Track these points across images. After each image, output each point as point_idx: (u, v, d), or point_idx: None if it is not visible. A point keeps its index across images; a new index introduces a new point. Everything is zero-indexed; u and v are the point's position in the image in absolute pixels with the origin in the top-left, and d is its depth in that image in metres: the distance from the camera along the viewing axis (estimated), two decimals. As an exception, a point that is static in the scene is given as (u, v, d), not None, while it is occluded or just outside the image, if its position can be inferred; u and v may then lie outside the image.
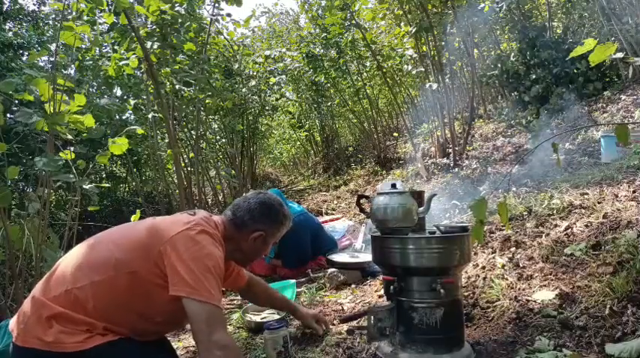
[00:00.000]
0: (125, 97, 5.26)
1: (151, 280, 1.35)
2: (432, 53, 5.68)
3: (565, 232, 2.38)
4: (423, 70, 5.93)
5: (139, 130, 3.06)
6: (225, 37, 5.80)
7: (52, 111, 2.60)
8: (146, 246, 1.37)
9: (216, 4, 4.50)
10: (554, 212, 2.72)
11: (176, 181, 4.43)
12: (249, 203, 1.63)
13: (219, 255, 1.41)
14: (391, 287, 1.66)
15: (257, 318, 2.23)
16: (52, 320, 1.28)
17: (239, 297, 2.97)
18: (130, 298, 1.35)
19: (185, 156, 5.53)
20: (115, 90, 5.19)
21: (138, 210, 3.20)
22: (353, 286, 2.74)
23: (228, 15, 4.73)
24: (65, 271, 1.38)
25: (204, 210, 1.61)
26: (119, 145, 2.79)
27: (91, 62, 4.06)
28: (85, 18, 3.49)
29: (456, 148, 5.36)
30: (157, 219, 1.51)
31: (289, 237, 3.19)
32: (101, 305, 1.32)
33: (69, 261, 1.41)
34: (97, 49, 4.26)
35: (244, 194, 1.73)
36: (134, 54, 3.92)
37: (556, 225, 2.54)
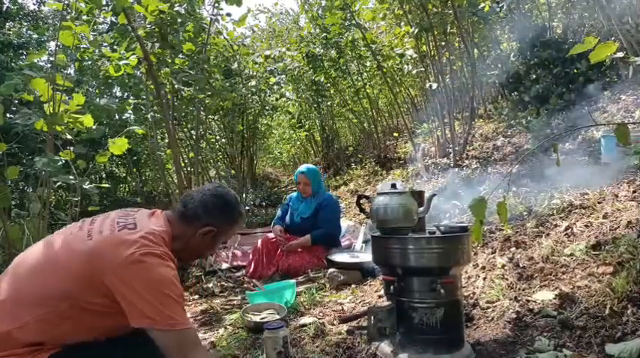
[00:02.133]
0: (125, 97, 5.27)
1: (100, 310, 1.26)
2: (432, 53, 5.68)
3: (565, 232, 2.38)
4: (423, 69, 5.93)
5: (139, 130, 3.06)
6: (225, 37, 5.80)
7: (51, 111, 2.60)
8: (89, 277, 1.24)
9: (216, 4, 4.50)
10: (554, 212, 2.72)
11: (176, 181, 4.43)
12: (204, 195, 1.48)
13: (172, 275, 1.28)
14: (391, 287, 1.66)
15: (256, 318, 2.23)
16: None
17: (238, 298, 2.97)
18: (80, 327, 1.26)
19: (185, 156, 5.54)
20: (114, 90, 5.19)
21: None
22: (353, 286, 2.73)
23: (228, 15, 4.73)
24: (3, 307, 1.24)
25: (144, 213, 1.44)
26: (119, 145, 2.80)
27: (90, 62, 4.06)
28: (85, 18, 3.49)
29: (456, 148, 5.35)
30: (95, 239, 1.30)
31: (326, 211, 3.50)
32: (48, 337, 1.24)
33: (5, 292, 1.26)
34: (95, 49, 4.26)
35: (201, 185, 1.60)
36: (134, 54, 3.92)
37: (556, 225, 2.53)
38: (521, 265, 2.19)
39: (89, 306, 1.25)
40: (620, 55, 1.59)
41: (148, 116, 4.70)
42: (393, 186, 1.76)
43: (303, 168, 3.70)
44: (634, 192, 2.70)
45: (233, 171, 7.66)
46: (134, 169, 7.95)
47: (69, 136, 2.79)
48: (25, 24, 9.52)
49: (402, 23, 5.71)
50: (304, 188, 3.59)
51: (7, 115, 3.34)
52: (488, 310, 1.94)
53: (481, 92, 7.31)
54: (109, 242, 1.28)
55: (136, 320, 1.21)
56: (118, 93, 5.83)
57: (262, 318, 2.22)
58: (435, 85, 5.30)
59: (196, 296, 3.11)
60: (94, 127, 2.85)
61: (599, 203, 2.67)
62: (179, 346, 1.24)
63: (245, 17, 5.06)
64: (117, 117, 5.32)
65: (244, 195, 7.39)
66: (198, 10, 4.78)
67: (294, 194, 3.81)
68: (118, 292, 1.22)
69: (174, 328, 1.22)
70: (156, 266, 1.25)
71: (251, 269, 3.42)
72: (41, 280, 1.26)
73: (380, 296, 2.37)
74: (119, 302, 1.22)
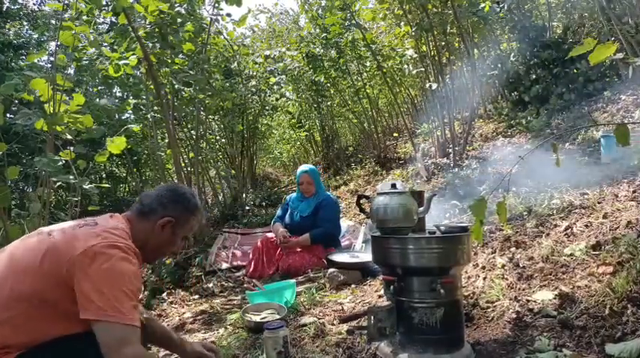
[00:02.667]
0: (125, 97, 5.26)
1: (70, 306, 1.25)
2: (432, 53, 5.68)
3: (565, 232, 2.38)
4: (423, 70, 5.93)
5: (136, 128, 3.05)
6: (225, 37, 5.80)
7: (51, 111, 2.60)
8: (54, 272, 1.25)
9: (216, 4, 4.51)
10: (554, 212, 2.72)
11: (176, 181, 4.43)
12: (159, 191, 1.56)
13: (132, 270, 1.30)
14: (391, 287, 1.66)
15: (257, 318, 2.23)
16: None
17: (238, 297, 2.98)
18: (51, 326, 1.27)
19: (185, 156, 5.53)
20: (114, 90, 5.19)
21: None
22: (353, 286, 2.74)
23: (228, 15, 4.73)
24: None
25: (104, 216, 1.48)
26: (117, 144, 2.79)
27: (87, 62, 4.05)
28: (85, 18, 3.49)
29: (456, 148, 5.35)
30: (55, 238, 1.33)
31: (325, 210, 3.52)
32: (15, 341, 1.23)
33: None
34: (94, 48, 4.26)
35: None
36: (133, 54, 3.92)
37: (556, 225, 2.54)
38: (521, 265, 2.19)
39: (58, 303, 1.26)
40: (620, 56, 1.59)
41: (148, 116, 4.70)
42: (393, 186, 1.76)
43: (305, 167, 3.70)
44: (634, 192, 2.71)
45: (233, 171, 7.65)
46: (134, 169, 7.94)
47: (69, 136, 2.79)
48: (26, 24, 9.52)
49: (402, 23, 5.71)
50: (307, 187, 3.59)
51: (7, 115, 3.34)
52: (488, 310, 1.94)
53: (481, 92, 7.31)
54: (72, 236, 1.32)
55: (85, 310, 1.22)
56: (118, 94, 5.83)
57: (262, 318, 2.22)
58: (435, 85, 5.30)
59: (196, 296, 3.12)
60: (94, 127, 2.85)
61: (599, 203, 2.67)
62: (119, 341, 1.22)
63: (245, 17, 5.06)
64: (117, 117, 5.32)
65: (244, 195, 7.39)
66: (198, 11, 4.78)
67: (294, 194, 3.81)
68: (77, 282, 1.23)
69: (120, 321, 1.22)
70: (117, 259, 1.27)
71: (251, 269, 3.43)
72: (10, 283, 1.26)
73: (380, 296, 2.37)
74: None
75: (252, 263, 3.45)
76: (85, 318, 1.22)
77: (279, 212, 3.87)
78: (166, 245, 1.56)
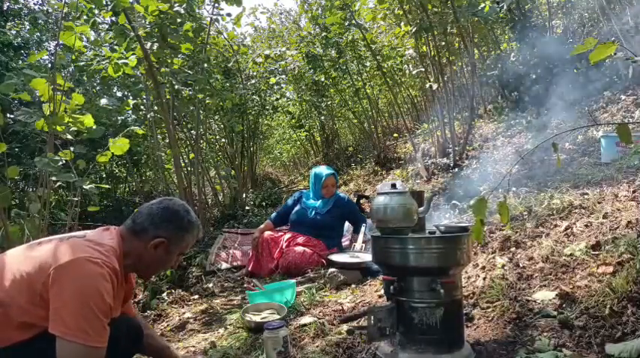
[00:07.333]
0: (124, 98, 5.26)
1: (38, 314, 1.27)
2: (432, 53, 5.68)
3: (565, 232, 2.38)
4: (423, 69, 5.93)
5: (139, 131, 3.05)
6: (224, 37, 5.80)
7: (51, 111, 2.60)
8: (35, 281, 1.27)
9: (216, 4, 4.50)
10: (554, 212, 2.72)
11: (176, 181, 4.43)
12: (150, 208, 1.50)
13: (106, 289, 1.28)
14: (391, 287, 1.66)
15: (257, 318, 2.23)
16: None
17: (238, 297, 2.98)
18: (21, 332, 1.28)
19: (185, 156, 5.53)
20: (114, 91, 5.19)
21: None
22: (353, 286, 2.74)
23: (228, 15, 4.72)
24: None
25: (97, 229, 1.50)
26: (120, 146, 2.79)
27: (83, 63, 4.05)
28: (85, 18, 3.49)
29: (456, 148, 5.35)
30: (44, 246, 1.37)
31: (350, 205, 3.62)
32: None
33: None
34: (91, 49, 4.25)
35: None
36: (133, 54, 3.91)
37: (556, 225, 2.54)
38: (521, 265, 2.19)
39: (24, 311, 1.26)
40: (620, 56, 1.59)
41: (148, 116, 4.69)
42: (393, 186, 1.76)
43: (328, 170, 3.70)
44: (634, 192, 2.71)
45: (233, 171, 7.66)
46: (134, 169, 7.94)
47: (69, 136, 2.79)
48: (27, 23, 9.49)
49: (402, 23, 5.71)
50: (331, 189, 3.64)
51: (7, 115, 3.34)
52: (488, 310, 1.94)
53: (481, 92, 7.31)
54: (57, 248, 1.32)
55: (54, 324, 1.22)
56: (118, 94, 5.84)
57: (262, 318, 2.22)
58: (435, 85, 5.30)
59: (196, 296, 3.12)
60: (93, 127, 2.85)
61: (599, 203, 2.67)
62: None
63: (241, 16, 5.03)
64: (116, 117, 5.32)
65: (244, 195, 7.39)
66: (198, 11, 4.77)
67: (304, 192, 3.84)
68: (52, 294, 1.24)
69: (84, 343, 1.22)
70: (94, 276, 1.27)
71: (251, 266, 3.46)
72: None
73: (380, 296, 2.37)
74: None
75: (253, 259, 3.49)
76: (52, 332, 1.22)
77: (279, 210, 3.89)
78: (161, 263, 1.55)
